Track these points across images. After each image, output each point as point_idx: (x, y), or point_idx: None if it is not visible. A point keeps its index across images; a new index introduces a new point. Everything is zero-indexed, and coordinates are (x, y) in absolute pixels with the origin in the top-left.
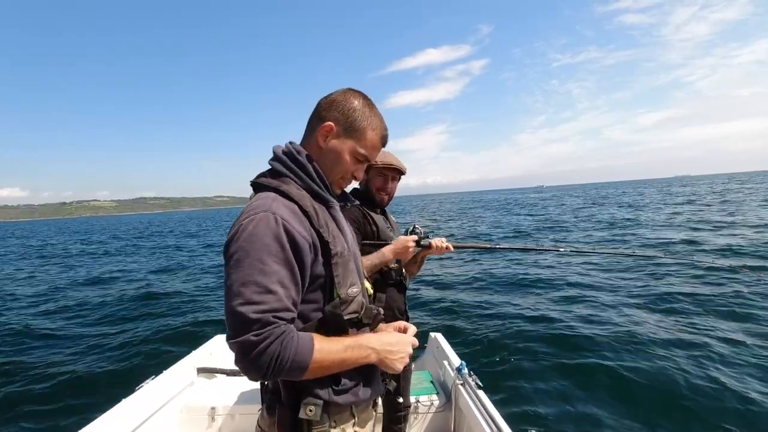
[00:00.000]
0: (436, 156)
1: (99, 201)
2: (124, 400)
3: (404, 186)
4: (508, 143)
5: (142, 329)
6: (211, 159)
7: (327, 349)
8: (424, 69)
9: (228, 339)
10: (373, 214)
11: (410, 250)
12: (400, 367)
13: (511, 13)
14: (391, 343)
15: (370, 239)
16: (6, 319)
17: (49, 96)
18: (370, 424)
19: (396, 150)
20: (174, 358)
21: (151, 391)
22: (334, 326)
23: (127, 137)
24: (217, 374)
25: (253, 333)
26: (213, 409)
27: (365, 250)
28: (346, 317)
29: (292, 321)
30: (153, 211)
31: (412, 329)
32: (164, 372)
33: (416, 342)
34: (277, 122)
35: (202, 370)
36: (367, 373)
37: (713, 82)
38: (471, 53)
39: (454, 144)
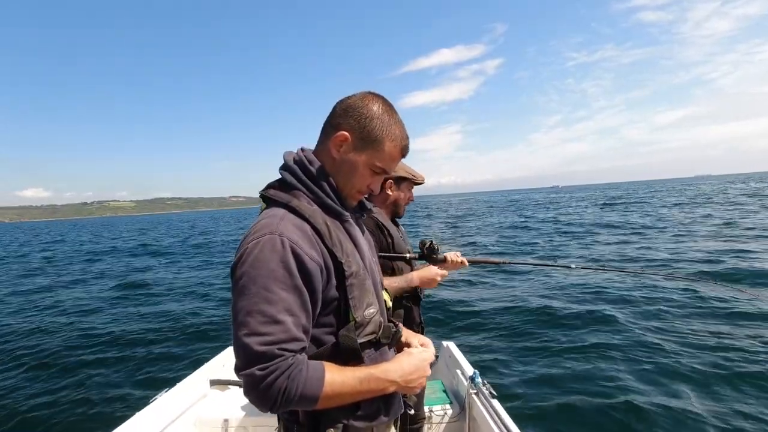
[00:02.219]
0: (450, 156)
1: (118, 201)
2: (138, 413)
3: (419, 186)
4: (523, 143)
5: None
6: (226, 160)
7: (339, 381)
8: (438, 69)
9: (236, 370)
10: (388, 225)
11: (437, 282)
12: (417, 391)
13: (525, 12)
14: (411, 371)
15: (385, 251)
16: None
17: (72, 98)
18: None
19: (410, 150)
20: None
21: (165, 403)
22: (348, 351)
23: (146, 139)
24: (230, 386)
25: (258, 367)
26: (226, 421)
27: (380, 263)
28: (362, 340)
29: (302, 350)
30: (170, 211)
31: (432, 349)
32: (177, 384)
33: (434, 359)
34: (284, 123)
35: (215, 382)
36: (388, 396)
37: (735, 79)
38: (485, 53)
39: (469, 144)
